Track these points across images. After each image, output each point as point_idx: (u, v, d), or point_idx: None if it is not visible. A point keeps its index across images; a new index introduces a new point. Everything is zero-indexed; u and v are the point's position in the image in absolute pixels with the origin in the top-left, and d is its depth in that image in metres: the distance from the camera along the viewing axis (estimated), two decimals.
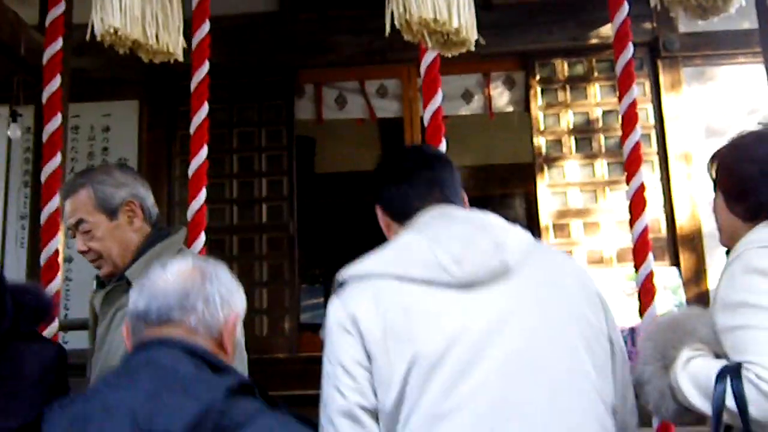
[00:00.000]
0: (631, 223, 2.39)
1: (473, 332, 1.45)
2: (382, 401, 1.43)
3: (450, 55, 2.21)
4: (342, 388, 1.45)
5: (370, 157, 7.59)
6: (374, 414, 1.45)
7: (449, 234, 1.56)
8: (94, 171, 2.23)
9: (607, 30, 4.69)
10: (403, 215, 1.69)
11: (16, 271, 4.40)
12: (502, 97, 5.04)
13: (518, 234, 1.61)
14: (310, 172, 7.48)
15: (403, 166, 1.76)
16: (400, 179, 1.73)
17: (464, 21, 1.98)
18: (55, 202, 2.55)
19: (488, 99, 5.02)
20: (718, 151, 1.80)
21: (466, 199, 1.78)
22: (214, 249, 4.72)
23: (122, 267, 2.11)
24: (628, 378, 1.64)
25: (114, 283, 2.12)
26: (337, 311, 1.52)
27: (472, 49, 2.13)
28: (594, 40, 4.74)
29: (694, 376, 1.53)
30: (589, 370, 1.48)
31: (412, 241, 1.59)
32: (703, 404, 1.50)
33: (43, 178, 2.60)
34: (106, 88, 4.87)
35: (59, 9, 2.57)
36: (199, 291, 1.48)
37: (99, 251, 2.13)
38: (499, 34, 4.74)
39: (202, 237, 2.55)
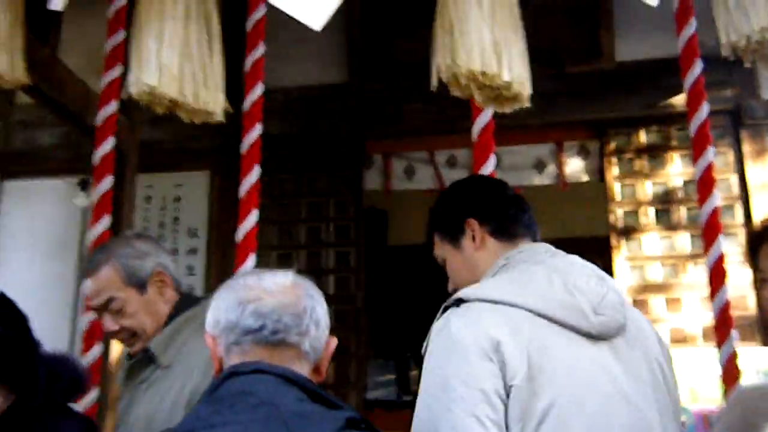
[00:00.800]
0: (712, 295, 2.20)
1: (604, 386, 1.42)
2: None
3: (505, 111, 2.08)
4: (483, 418, 1.34)
5: None
6: None
7: (579, 278, 1.52)
8: (114, 244, 2.10)
9: (684, 97, 4.51)
10: (508, 235, 1.68)
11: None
12: (575, 167, 4.88)
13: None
14: (383, 244, 7.42)
15: (507, 193, 1.76)
16: (510, 201, 1.73)
17: (516, 74, 1.86)
18: None
19: (561, 169, 4.87)
20: None
21: None
22: None
23: None
24: None
25: (139, 356, 2.03)
26: (472, 331, 1.42)
27: (526, 105, 2.00)
28: (671, 109, 4.55)
29: None
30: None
31: (542, 275, 1.53)
32: None
33: (88, 240, 2.58)
34: (178, 159, 4.94)
35: (116, 71, 2.59)
36: (312, 313, 1.39)
37: (133, 329, 2.01)
38: (571, 102, 4.63)
39: None
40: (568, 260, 1.59)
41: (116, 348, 2.83)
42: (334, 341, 1.46)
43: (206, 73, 2.23)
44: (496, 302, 1.46)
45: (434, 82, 1.88)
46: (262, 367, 1.28)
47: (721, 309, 2.16)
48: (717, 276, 2.20)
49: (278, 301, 1.36)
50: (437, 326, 1.49)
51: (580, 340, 1.44)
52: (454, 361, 1.40)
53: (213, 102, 2.26)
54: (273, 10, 2.77)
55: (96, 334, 2.48)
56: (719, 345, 2.16)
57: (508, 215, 1.70)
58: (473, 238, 1.70)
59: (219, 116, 2.34)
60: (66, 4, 2.15)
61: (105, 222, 2.57)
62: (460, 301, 1.51)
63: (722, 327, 2.15)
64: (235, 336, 1.34)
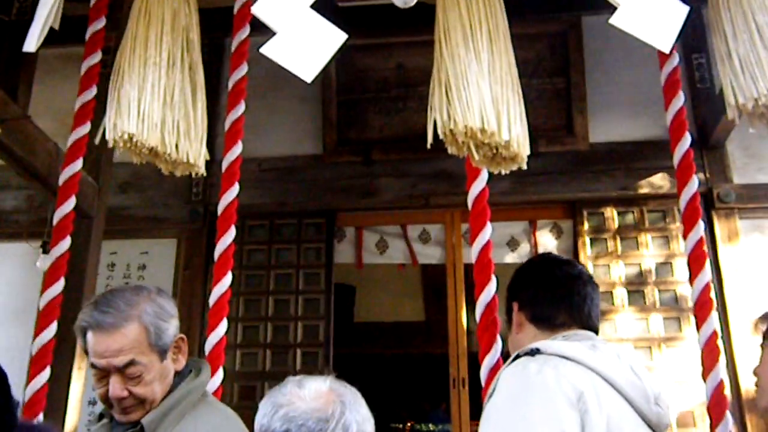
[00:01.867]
0: (705, 374, 2.12)
1: None
2: None
3: (502, 171, 2.03)
4: None
5: (411, 307, 7.50)
6: None
7: (639, 367, 1.52)
8: (137, 297, 1.79)
9: (658, 180, 4.57)
10: (544, 323, 1.66)
11: None
12: (549, 246, 4.85)
13: None
14: (350, 321, 7.30)
15: (556, 275, 1.72)
16: (552, 288, 1.69)
17: (515, 134, 1.81)
18: (50, 332, 2.39)
19: (535, 247, 4.84)
20: None
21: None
22: (244, 395, 4.49)
23: None
24: None
25: (127, 429, 1.76)
26: (556, 376, 1.40)
27: (524, 166, 1.96)
28: (644, 190, 4.60)
29: None
30: None
31: (611, 353, 1.52)
32: None
33: (41, 304, 2.41)
34: (145, 226, 4.83)
35: (84, 130, 2.50)
36: (339, 419, 1.41)
37: (143, 397, 1.73)
38: (545, 182, 4.65)
39: (219, 374, 2.30)
40: (621, 350, 1.59)
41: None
42: None
43: (189, 123, 2.12)
44: (574, 361, 1.45)
45: (430, 138, 1.81)
46: None
47: (716, 388, 2.09)
48: (710, 354, 2.12)
49: (308, 407, 1.40)
50: (510, 371, 1.48)
51: (640, 423, 1.45)
52: (537, 402, 1.37)
53: (195, 153, 2.14)
54: (248, 82, 2.74)
55: (38, 406, 2.32)
56: (713, 427, 2.08)
57: (546, 302, 1.68)
58: (515, 321, 1.73)
59: (201, 169, 2.22)
60: (38, 46, 2.06)
61: (59, 285, 2.40)
62: (536, 352, 1.49)
63: (717, 407, 2.07)
64: None
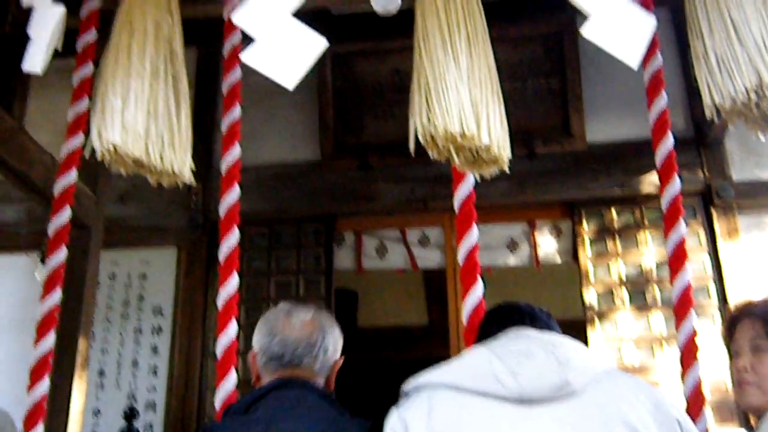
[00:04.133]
0: (683, 373, 2.12)
1: None
2: None
3: (485, 176, 2.05)
4: None
5: (414, 311, 7.48)
6: None
7: (511, 348, 1.51)
8: None
9: (655, 178, 4.52)
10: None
11: None
12: (549, 247, 4.85)
13: (589, 355, 1.54)
14: (353, 327, 7.30)
15: (487, 330, 1.74)
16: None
17: (495, 137, 1.82)
18: (48, 341, 2.40)
19: (534, 249, 4.84)
20: None
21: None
22: None
23: None
24: None
25: None
26: (393, 420, 1.51)
27: (506, 169, 1.97)
28: (643, 189, 4.58)
29: None
30: None
31: (476, 353, 1.56)
32: None
33: (39, 316, 2.44)
34: (145, 236, 4.85)
35: (77, 140, 2.52)
36: (321, 343, 1.84)
37: None
38: (543, 183, 4.65)
39: (233, 377, 2.30)
40: (519, 336, 1.59)
41: None
42: (341, 361, 1.91)
43: (173, 133, 2.14)
44: (422, 387, 1.54)
45: (412, 144, 1.84)
46: (303, 382, 1.77)
47: (694, 386, 2.08)
48: (689, 352, 2.11)
49: (296, 337, 1.83)
50: None
51: (504, 406, 1.42)
52: None
53: (180, 163, 2.17)
54: (245, 90, 2.76)
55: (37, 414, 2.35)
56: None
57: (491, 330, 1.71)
58: None
59: (186, 178, 2.25)
60: (44, 67, 2.10)
61: (56, 296, 2.43)
62: (405, 395, 1.61)
63: (695, 405, 2.06)
64: (266, 359, 1.83)
